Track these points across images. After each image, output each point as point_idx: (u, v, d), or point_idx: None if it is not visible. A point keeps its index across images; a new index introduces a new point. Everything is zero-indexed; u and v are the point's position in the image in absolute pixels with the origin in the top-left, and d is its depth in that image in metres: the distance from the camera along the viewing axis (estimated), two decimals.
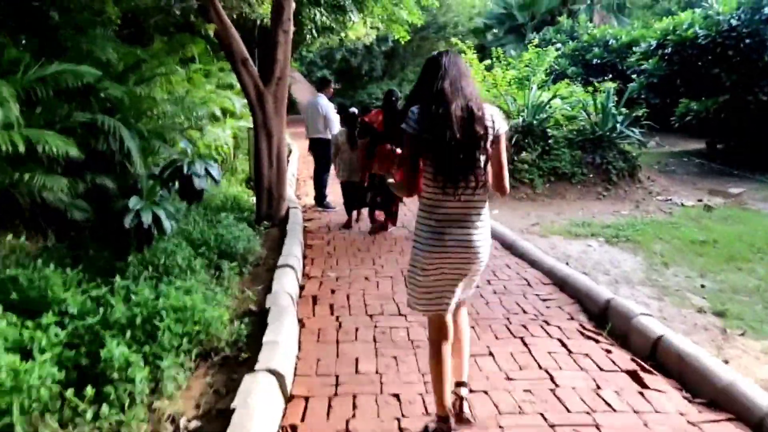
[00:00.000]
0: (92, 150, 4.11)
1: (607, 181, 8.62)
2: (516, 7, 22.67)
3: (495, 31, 24.02)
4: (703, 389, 2.71)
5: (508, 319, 3.64)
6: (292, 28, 5.79)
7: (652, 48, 11.93)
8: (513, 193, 8.24)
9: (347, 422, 2.47)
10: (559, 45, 15.53)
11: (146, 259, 3.78)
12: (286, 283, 3.89)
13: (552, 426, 2.44)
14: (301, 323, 3.53)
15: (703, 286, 4.61)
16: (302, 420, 2.51)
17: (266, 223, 5.83)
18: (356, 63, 25.01)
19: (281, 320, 3.17)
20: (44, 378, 2.37)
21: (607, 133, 8.84)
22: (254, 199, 6.36)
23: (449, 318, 2.36)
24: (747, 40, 9.98)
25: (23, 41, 4.27)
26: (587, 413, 2.54)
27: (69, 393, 2.37)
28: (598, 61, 15.38)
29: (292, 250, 4.67)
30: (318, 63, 26.05)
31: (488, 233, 2.32)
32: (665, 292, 4.48)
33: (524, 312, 3.77)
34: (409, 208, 6.84)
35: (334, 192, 7.48)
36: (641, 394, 2.70)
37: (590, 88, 10.21)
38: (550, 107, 9.07)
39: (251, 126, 6.38)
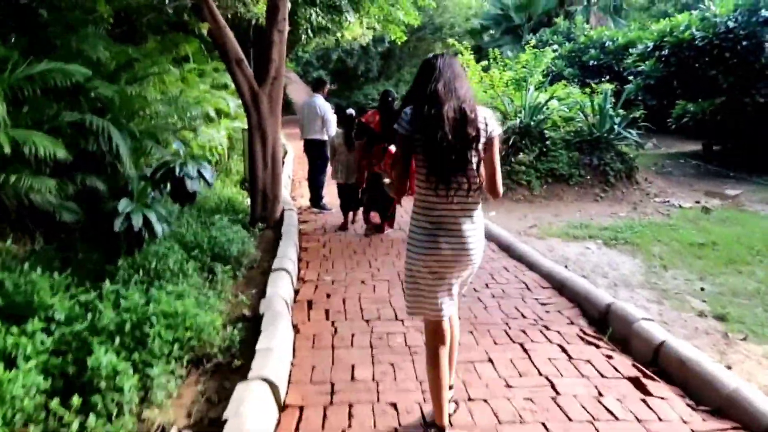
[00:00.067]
0: (82, 150, 4.02)
1: (605, 183, 8.57)
2: (512, 8, 22.66)
3: (491, 32, 24.02)
4: (707, 396, 2.65)
5: (507, 324, 3.57)
6: (287, 28, 5.71)
7: (649, 50, 11.92)
8: (510, 194, 8.20)
9: None
10: (555, 46, 15.49)
11: (137, 262, 3.69)
12: (280, 287, 3.80)
13: None
14: (296, 329, 3.45)
15: (702, 289, 4.56)
16: (296, 430, 2.43)
17: (261, 225, 5.74)
18: (352, 63, 24.95)
19: (275, 326, 3.09)
20: (28, 387, 2.29)
21: (605, 135, 8.80)
22: (249, 200, 6.27)
23: (446, 322, 2.34)
24: (744, 42, 9.97)
25: (12, 39, 4.17)
26: (589, 422, 2.48)
27: (54, 403, 2.29)
28: (595, 63, 15.37)
29: (287, 253, 4.60)
30: (314, 63, 26.00)
31: (482, 235, 2.31)
32: (665, 295, 4.43)
33: (523, 317, 3.71)
34: (405, 210, 6.76)
35: (329, 193, 7.41)
36: (644, 401, 2.64)
37: (587, 90, 10.18)
38: (547, 108, 9.02)
39: (246, 127, 6.29)
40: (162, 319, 2.92)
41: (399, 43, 11.21)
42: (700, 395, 2.68)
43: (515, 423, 2.47)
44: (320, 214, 7.21)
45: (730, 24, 10.11)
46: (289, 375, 2.86)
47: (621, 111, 9.31)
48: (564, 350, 3.16)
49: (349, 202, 6.36)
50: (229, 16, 8.13)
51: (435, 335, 2.32)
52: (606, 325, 3.55)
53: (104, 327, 2.76)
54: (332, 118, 7.14)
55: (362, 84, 25.48)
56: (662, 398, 2.68)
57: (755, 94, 10.20)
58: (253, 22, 8.63)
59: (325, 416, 2.51)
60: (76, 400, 2.31)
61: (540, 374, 2.88)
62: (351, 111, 6.69)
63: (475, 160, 2.16)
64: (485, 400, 2.63)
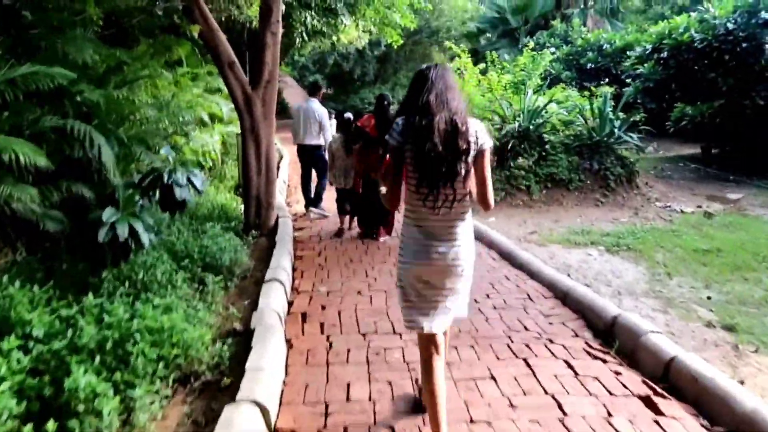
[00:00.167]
0: (67, 157, 3.87)
1: (605, 188, 8.45)
2: (509, 11, 22.62)
3: (488, 35, 23.97)
4: (722, 416, 2.51)
5: (509, 337, 3.42)
6: (280, 31, 5.57)
7: (647, 52, 11.84)
8: (509, 199, 8.07)
9: None
10: (553, 49, 15.42)
11: (123, 273, 3.54)
12: (273, 299, 3.65)
13: None
14: (289, 343, 3.29)
15: (709, 297, 4.43)
16: None
17: (255, 233, 5.59)
18: (348, 67, 24.90)
19: (267, 342, 2.94)
20: (1, 412, 2.13)
21: (605, 139, 8.68)
22: (243, 207, 6.12)
23: (440, 335, 2.31)
24: (743, 44, 9.89)
25: None
26: None
27: (28, 429, 2.14)
28: (593, 66, 15.30)
29: (281, 262, 4.44)
30: (310, 68, 25.94)
31: (472, 245, 2.31)
32: (670, 304, 4.29)
33: (526, 329, 3.56)
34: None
35: (327, 198, 7.31)
36: (656, 422, 2.49)
37: (586, 93, 10.07)
38: (546, 112, 8.90)
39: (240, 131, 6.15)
40: (147, 336, 2.77)
41: (395, 46, 11.11)
42: (715, 414, 2.54)
43: None
44: (317, 219, 7.12)
45: (730, 26, 10.03)
46: (281, 395, 2.71)
47: (621, 114, 9.20)
48: (570, 366, 3.02)
49: (347, 206, 6.26)
50: (223, 18, 8.00)
51: (428, 347, 2.29)
52: (612, 337, 3.42)
53: (84, 345, 2.60)
54: (328, 123, 7.10)
55: (359, 88, 25.43)
56: (675, 418, 2.53)
57: (755, 97, 10.11)
58: (248, 25, 8.50)
59: None
60: (51, 425, 2.16)
61: (546, 393, 2.74)
62: (349, 115, 6.59)
63: (463, 172, 2.15)
64: (488, 422, 2.48)
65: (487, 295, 4.21)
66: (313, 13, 8.93)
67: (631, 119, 9.15)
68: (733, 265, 5.22)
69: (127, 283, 3.41)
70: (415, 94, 2.22)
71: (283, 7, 5.99)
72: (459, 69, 11.01)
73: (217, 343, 3.14)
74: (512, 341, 3.35)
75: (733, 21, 10.07)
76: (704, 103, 11.09)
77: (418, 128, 2.13)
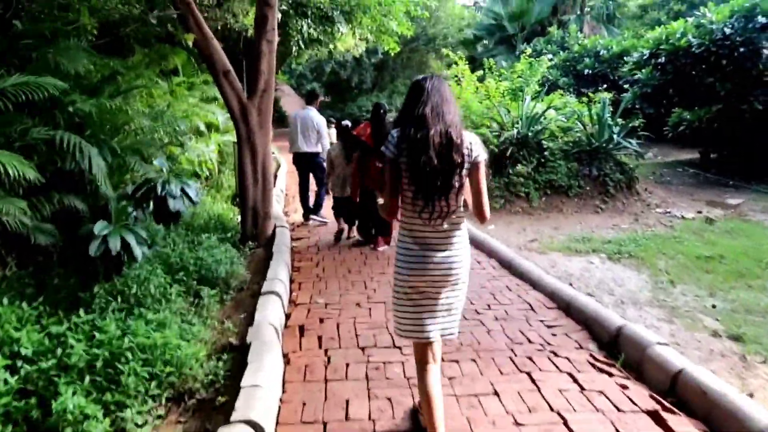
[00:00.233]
0: (59, 168, 3.79)
1: (605, 194, 8.39)
2: (506, 18, 22.67)
3: (485, 42, 24.01)
4: None
5: (512, 350, 3.33)
6: (276, 39, 5.51)
7: (645, 57, 11.82)
8: (508, 206, 8.01)
9: None
10: (550, 55, 15.42)
11: (116, 288, 3.45)
12: (270, 312, 3.56)
13: None
14: (286, 359, 3.20)
15: (714, 306, 4.36)
16: None
17: (251, 244, 5.50)
18: (346, 75, 24.94)
19: (263, 359, 2.85)
20: None
21: (604, 145, 8.63)
22: (240, 217, 6.04)
23: (436, 344, 2.35)
24: (741, 49, 9.88)
25: None
26: None
27: None
28: (590, 72, 15.30)
29: (278, 274, 4.36)
30: (307, 76, 25.97)
31: (467, 250, 2.33)
32: (675, 313, 4.22)
33: (529, 341, 3.47)
34: None
35: (325, 206, 7.28)
36: None
37: (584, 99, 10.03)
38: (544, 118, 8.85)
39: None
40: (138, 354, 2.69)
41: (392, 54, 11.08)
42: (726, 431, 2.45)
43: None
44: (316, 226, 7.11)
45: (727, 31, 10.02)
46: (278, 413, 2.62)
47: (620, 120, 9.16)
48: (575, 380, 2.93)
49: (344, 214, 6.20)
50: (219, 27, 7.97)
51: (423, 353, 2.33)
52: (617, 348, 3.34)
53: (74, 364, 2.52)
54: (326, 130, 7.06)
55: (356, 96, 25.46)
56: None
57: (753, 101, 10.09)
58: (244, 33, 8.46)
59: None
60: None
61: (551, 409, 2.65)
62: (347, 122, 6.55)
63: (457, 185, 2.17)
64: None
65: (489, 306, 4.13)
66: (309, 21, 8.90)
67: (630, 125, 9.10)
68: (736, 272, 5.16)
69: (119, 298, 3.32)
70: (411, 104, 2.23)
71: (279, 16, 5.94)
72: (456, 76, 10.98)
73: (212, 360, 3.06)
74: (515, 354, 3.27)
75: (730, 26, 10.06)
76: (702, 108, 11.07)
77: (414, 141, 2.14)
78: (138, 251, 3.30)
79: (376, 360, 3.18)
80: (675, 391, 2.82)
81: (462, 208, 2.26)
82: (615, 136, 8.68)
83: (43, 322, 2.94)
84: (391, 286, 2.45)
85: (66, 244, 3.89)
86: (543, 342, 3.45)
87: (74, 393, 2.37)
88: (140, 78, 5.98)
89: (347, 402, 2.72)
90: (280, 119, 20.14)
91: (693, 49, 10.41)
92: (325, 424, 2.53)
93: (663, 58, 11.20)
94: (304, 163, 7.08)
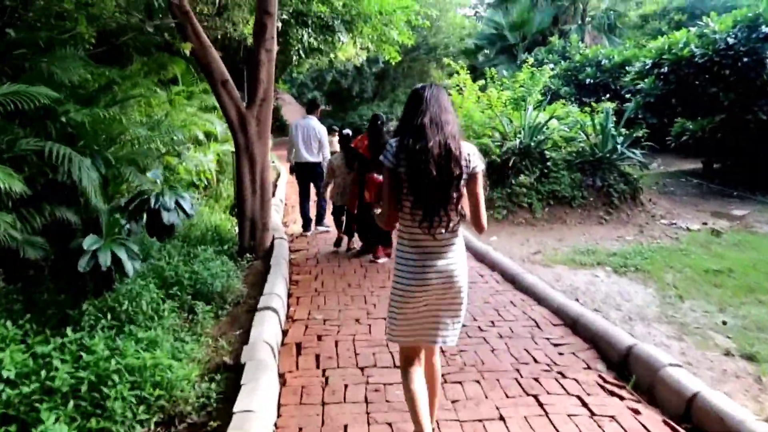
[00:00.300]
0: (51, 180, 3.68)
1: (609, 205, 8.27)
2: (507, 27, 22.67)
3: (486, 51, 24.00)
4: None
5: (518, 370, 3.20)
6: (275, 47, 5.43)
7: (647, 67, 11.74)
8: (511, 217, 7.89)
9: None
10: (552, 65, 15.36)
11: (106, 304, 3.33)
12: (266, 329, 3.44)
13: None
14: (282, 379, 3.07)
15: (724, 322, 4.22)
16: None
17: (249, 257, 5.38)
18: (347, 84, 24.98)
19: (257, 381, 2.72)
20: None
21: (607, 155, 8.52)
22: (237, 228, 5.93)
23: (436, 349, 2.40)
24: (744, 59, 9.79)
25: None
26: None
27: None
28: (591, 81, 15.23)
29: (275, 289, 4.23)
30: (309, 85, 26.01)
31: (464, 256, 2.34)
32: (685, 330, 4.08)
33: (535, 361, 3.34)
34: None
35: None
36: None
37: (587, 108, 9.94)
38: (547, 128, 8.75)
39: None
40: (126, 376, 2.57)
41: (393, 63, 11.03)
42: None
43: None
44: (319, 233, 7.08)
45: (730, 40, 9.94)
46: None
47: (623, 130, 9.06)
48: (584, 403, 2.80)
49: (346, 224, 6.13)
50: (219, 36, 7.90)
51: (407, 358, 2.35)
52: (627, 368, 3.21)
53: (57, 388, 2.39)
54: (327, 140, 7.00)
55: (357, 105, 25.50)
56: None
57: (757, 111, 9.99)
58: (244, 42, 8.40)
59: None
60: None
61: None
62: (348, 131, 6.46)
63: (456, 195, 2.17)
64: None
65: (492, 323, 3.99)
66: (310, 30, 8.85)
67: (634, 135, 9.00)
68: (746, 286, 5.02)
69: (109, 315, 3.19)
70: (411, 114, 2.22)
71: (279, 25, 5.88)
72: (458, 85, 10.90)
73: (205, 380, 2.94)
74: (521, 375, 3.13)
75: (734, 36, 9.98)
76: (705, 118, 10.98)
77: (413, 152, 2.13)
78: (129, 266, 3.18)
79: (376, 381, 3.05)
80: (690, 416, 2.69)
81: (459, 217, 2.25)
82: (619, 146, 8.58)
83: (29, 341, 2.82)
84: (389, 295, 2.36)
85: (58, 257, 3.77)
86: (550, 362, 3.32)
87: (57, 419, 2.24)
88: (138, 87, 5.90)
89: (345, 427, 2.59)
90: (281, 128, 20.08)
91: (696, 59, 10.33)
92: None
93: (666, 68, 11.12)
94: (306, 172, 7.00)
